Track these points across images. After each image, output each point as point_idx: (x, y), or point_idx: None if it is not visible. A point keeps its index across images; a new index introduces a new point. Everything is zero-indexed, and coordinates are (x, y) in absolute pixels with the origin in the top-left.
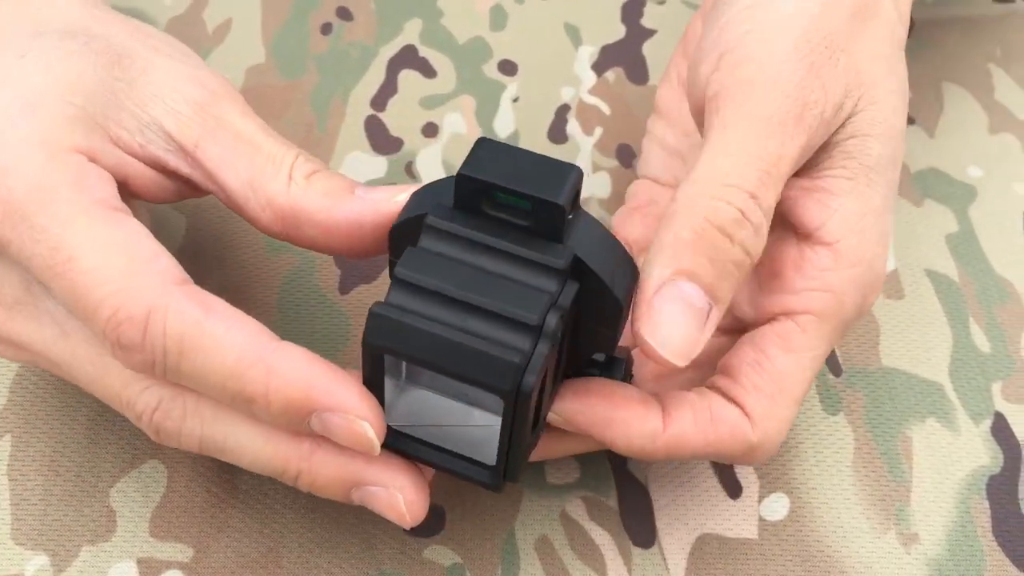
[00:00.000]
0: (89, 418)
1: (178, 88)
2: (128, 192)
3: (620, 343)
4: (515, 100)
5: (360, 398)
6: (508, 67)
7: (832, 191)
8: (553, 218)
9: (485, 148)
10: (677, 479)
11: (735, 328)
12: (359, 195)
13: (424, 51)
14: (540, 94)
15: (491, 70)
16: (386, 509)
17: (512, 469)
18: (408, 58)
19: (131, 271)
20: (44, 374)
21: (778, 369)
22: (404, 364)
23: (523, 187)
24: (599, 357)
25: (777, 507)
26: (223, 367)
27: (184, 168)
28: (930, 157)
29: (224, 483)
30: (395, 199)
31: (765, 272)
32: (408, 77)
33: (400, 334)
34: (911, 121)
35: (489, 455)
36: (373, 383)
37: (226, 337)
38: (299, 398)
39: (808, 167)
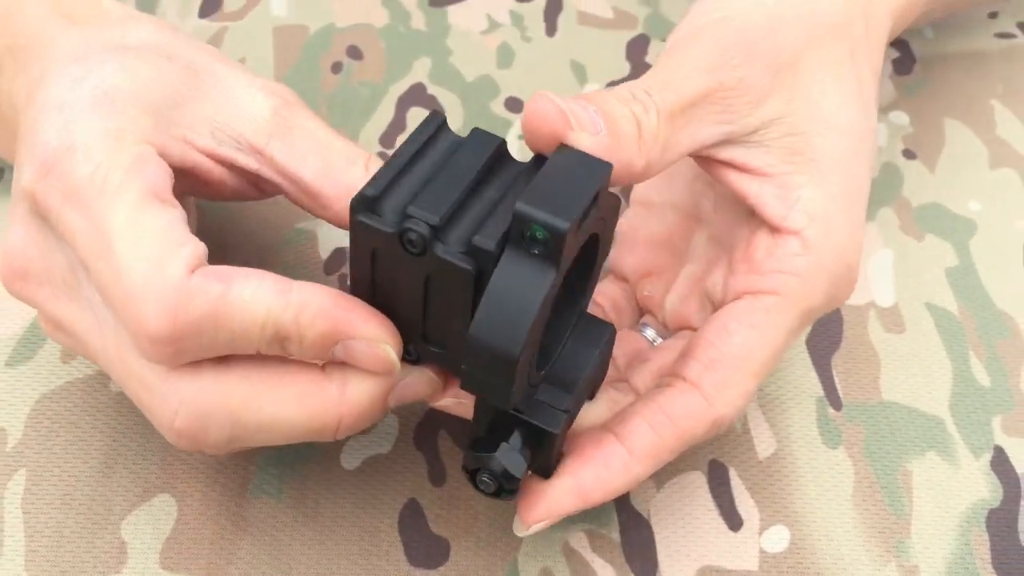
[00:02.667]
0: (102, 452)
1: (252, 95)
2: (193, 183)
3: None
4: (521, 137)
5: (378, 324)
6: (515, 104)
7: (789, 186)
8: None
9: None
10: (678, 511)
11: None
12: None
13: (433, 88)
14: None
15: (498, 107)
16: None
17: None
18: (417, 96)
19: (160, 262)
20: (58, 409)
21: (736, 342)
22: None
23: (536, 179)
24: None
25: (778, 539)
26: (256, 321)
27: (253, 164)
28: (931, 192)
29: (232, 515)
30: None
31: (739, 259)
32: (417, 114)
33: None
34: (912, 156)
35: None
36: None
37: (253, 296)
38: (327, 329)
39: (761, 166)
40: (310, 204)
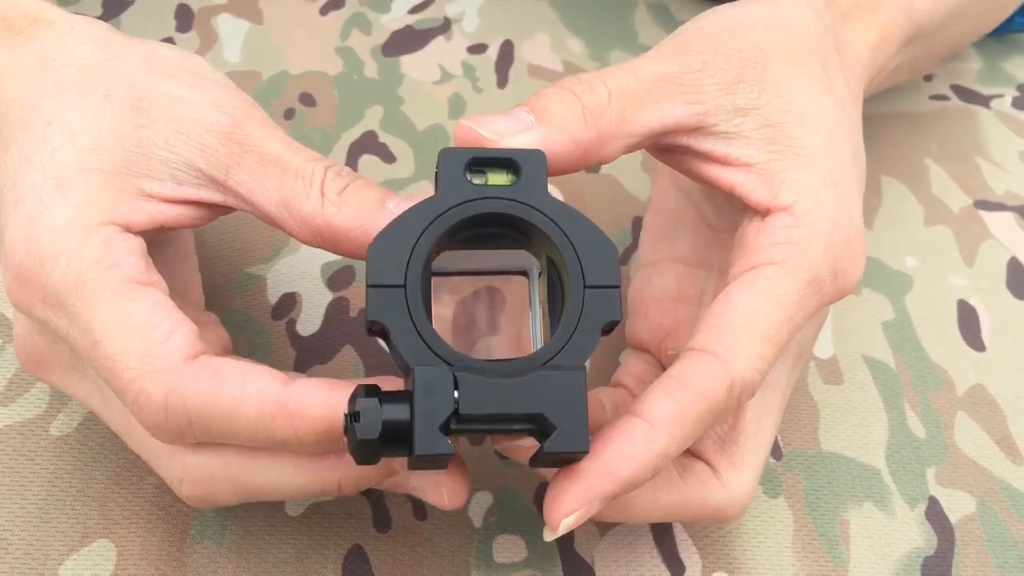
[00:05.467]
0: (39, 496)
1: (200, 119)
2: (166, 230)
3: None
4: None
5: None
6: None
7: (773, 172)
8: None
9: None
10: (622, 558)
11: None
12: (390, 210)
13: (384, 137)
14: None
15: None
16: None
17: None
18: (368, 143)
19: (147, 355)
20: None
21: (741, 308)
22: None
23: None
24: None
25: None
26: (248, 423)
27: (218, 197)
28: (868, 247)
29: (173, 561)
30: None
31: (735, 249)
32: (368, 162)
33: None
34: None
35: None
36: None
37: (242, 397)
38: (325, 429)
39: (741, 156)
40: (278, 228)
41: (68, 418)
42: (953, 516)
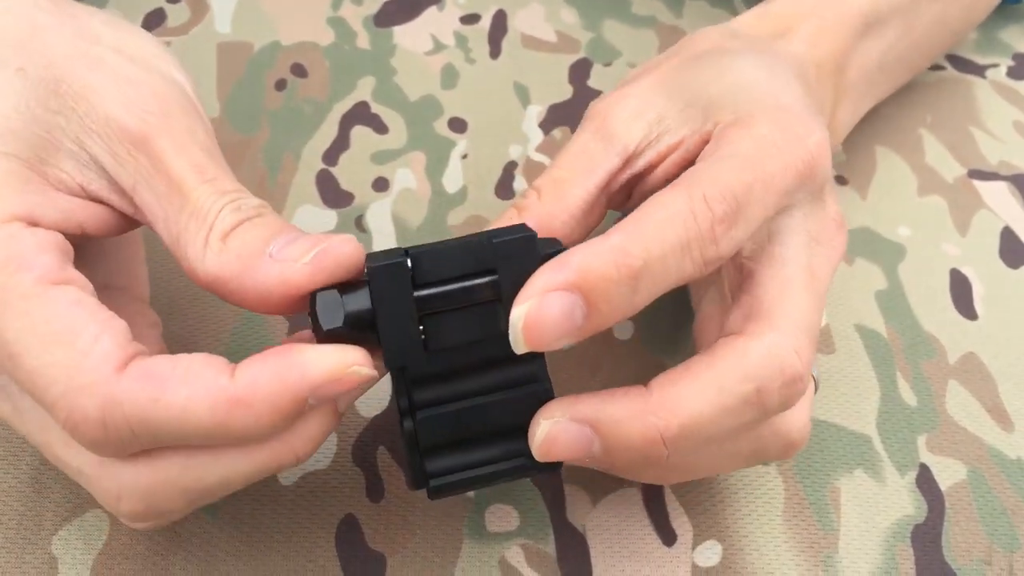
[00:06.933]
0: (32, 467)
1: (113, 119)
2: (82, 233)
3: None
4: (464, 156)
5: (332, 354)
6: (458, 124)
7: (700, 125)
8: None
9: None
10: (614, 527)
11: None
12: (271, 258)
13: (376, 108)
14: (489, 151)
15: (441, 127)
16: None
17: None
18: (361, 114)
19: (73, 367)
20: None
21: (695, 171)
22: None
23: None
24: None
25: (710, 554)
26: (201, 424)
27: (128, 209)
28: (862, 217)
29: (166, 531)
30: (301, 263)
31: None
32: (360, 133)
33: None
34: (844, 182)
35: None
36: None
37: (190, 399)
38: (286, 403)
39: (674, 142)
40: None
41: None
42: (944, 484)
